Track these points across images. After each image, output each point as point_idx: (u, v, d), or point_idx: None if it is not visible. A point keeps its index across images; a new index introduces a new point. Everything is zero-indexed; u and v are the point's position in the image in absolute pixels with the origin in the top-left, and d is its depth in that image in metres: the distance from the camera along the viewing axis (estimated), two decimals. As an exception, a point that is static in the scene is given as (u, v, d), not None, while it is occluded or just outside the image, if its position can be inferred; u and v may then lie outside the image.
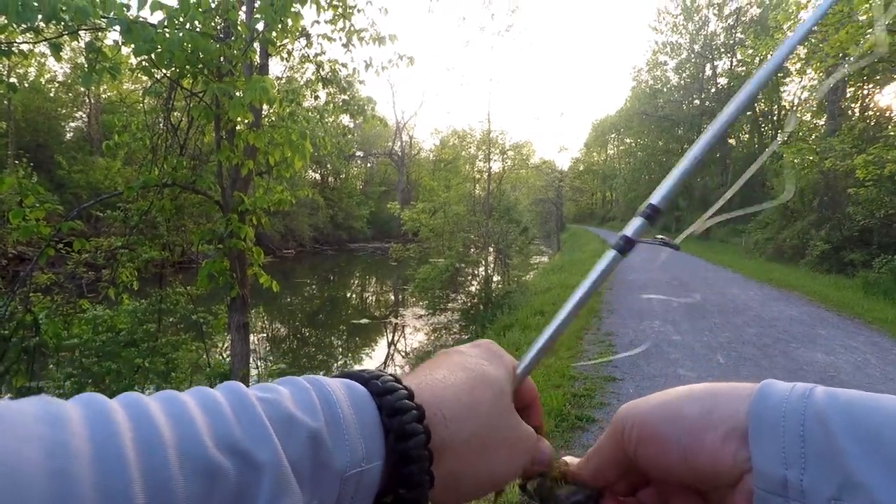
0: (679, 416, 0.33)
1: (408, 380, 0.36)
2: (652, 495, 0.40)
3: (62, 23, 2.83)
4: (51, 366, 4.87)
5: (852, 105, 18.79)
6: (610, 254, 0.40)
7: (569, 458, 0.43)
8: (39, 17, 2.74)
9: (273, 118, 4.87)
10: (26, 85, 20.66)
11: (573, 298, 0.41)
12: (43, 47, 3.36)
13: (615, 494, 0.40)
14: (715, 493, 0.34)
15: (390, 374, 0.35)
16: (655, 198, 0.40)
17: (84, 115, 24.28)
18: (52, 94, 22.52)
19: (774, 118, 27.70)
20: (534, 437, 0.40)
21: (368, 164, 42.92)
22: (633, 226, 0.40)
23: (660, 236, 0.41)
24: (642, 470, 0.37)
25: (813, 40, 13.64)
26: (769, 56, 0.40)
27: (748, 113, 28.09)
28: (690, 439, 0.32)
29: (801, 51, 15.45)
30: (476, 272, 13.43)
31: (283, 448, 0.26)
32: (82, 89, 20.73)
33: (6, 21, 2.70)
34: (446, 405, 0.35)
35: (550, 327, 0.41)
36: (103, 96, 22.01)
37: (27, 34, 3.07)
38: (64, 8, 2.78)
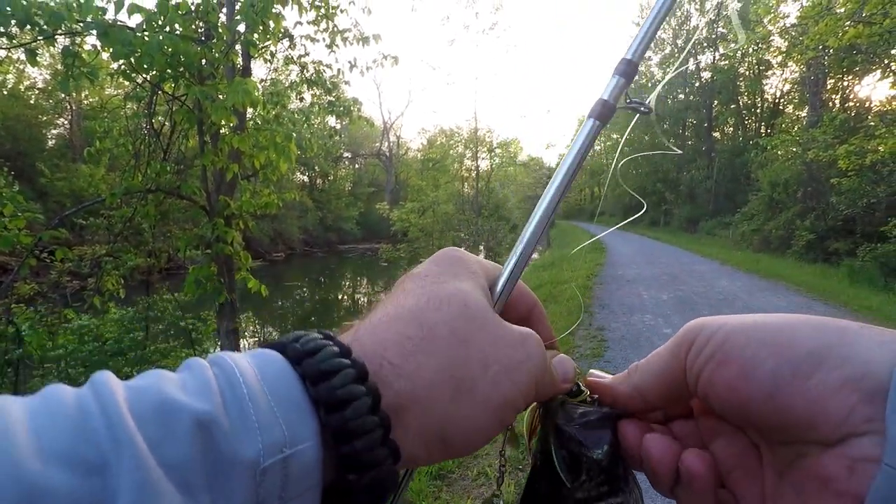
0: (784, 343, 0.26)
1: (345, 335, 0.29)
2: (690, 430, 0.33)
3: (37, 27, 2.77)
4: (36, 378, 4.79)
5: (833, 96, 19.10)
6: (588, 123, 0.34)
7: (597, 372, 0.36)
8: (13, 22, 2.69)
9: (258, 121, 4.83)
10: (5, 92, 20.30)
11: (556, 180, 0.34)
12: (20, 53, 3.29)
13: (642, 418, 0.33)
14: (787, 447, 0.27)
15: (319, 332, 0.28)
16: (630, 52, 0.34)
17: (66, 122, 23.90)
18: (32, 101, 22.13)
19: (758, 111, 28.04)
20: (533, 337, 0.31)
21: (356, 165, 42.77)
22: (610, 87, 0.34)
23: (634, 99, 0.35)
24: (701, 396, 0.29)
25: (793, 33, 13.81)
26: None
27: (732, 106, 28.46)
28: (791, 374, 0.25)
29: (783, 44, 15.66)
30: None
31: (156, 446, 0.20)
32: (63, 95, 20.41)
33: (-21, 27, 2.63)
34: (391, 349, 0.28)
35: (535, 215, 0.34)
36: (85, 102, 21.68)
37: (1, 40, 3.01)
38: (38, 13, 2.73)
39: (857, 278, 9.09)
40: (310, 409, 0.24)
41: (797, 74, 21.41)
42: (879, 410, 0.22)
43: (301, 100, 5.80)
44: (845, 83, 18.48)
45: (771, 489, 0.28)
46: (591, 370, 0.36)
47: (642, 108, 0.35)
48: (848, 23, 9.41)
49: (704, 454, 0.30)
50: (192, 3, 3.45)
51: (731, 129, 30.60)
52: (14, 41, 3.03)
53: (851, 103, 17.54)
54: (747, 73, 26.75)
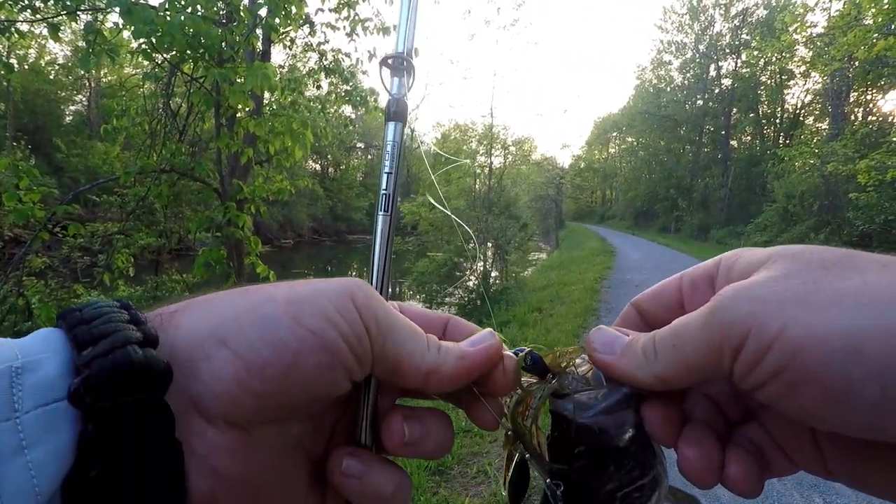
0: (884, 355, 0.19)
1: None
2: (728, 396, 0.30)
3: (60, 2, 2.78)
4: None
5: (855, 109, 18.78)
6: (390, 126, 0.36)
7: (607, 328, 0.31)
8: (37, -5, 2.69)
9: (274, 106, 4.82)
10: (26, 67, 20.49)
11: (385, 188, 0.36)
12: (42, 28, 3.30)
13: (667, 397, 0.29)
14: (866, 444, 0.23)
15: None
16: (399, 46, 0.36)
17: (84, 99, 24.11)
18: (52, 77, 22.35)
19: (778, 121, 27.65)
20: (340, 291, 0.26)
21: (369, 156, 42.77)
22: (396, 85, 0.36)
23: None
24: (759, 401, 0.25)
25: (819, 43, 13.57)
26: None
27: (751, 114, 28.09)
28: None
29: (807, 53, 15.39)
30: (474, 267, 13.40)
31: None
32: (83, 72, 20.57)
33: (3, -1, 2.64)
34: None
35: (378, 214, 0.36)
36: (104, 80, 21.84)
37: (25, 13, 3.01)
38: (63, -13, 2.74)
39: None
40: (60, 337, 0.24)
41: (820, 85, 21.08)
42: None
43: (318, 87, 5.78)
44: (869, 96, 18.17)
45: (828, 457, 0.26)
46: (600, 326, 0.31)
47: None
48: (876, 35, 9.23)
49: (750, 465, 0.27)
50: (215, -15, 3.44)
51: (749, 137, 30.21)
52: (38, 15, 3.04)
53: (874, 117, 17.24)
54: (769, 81, 26.35)
